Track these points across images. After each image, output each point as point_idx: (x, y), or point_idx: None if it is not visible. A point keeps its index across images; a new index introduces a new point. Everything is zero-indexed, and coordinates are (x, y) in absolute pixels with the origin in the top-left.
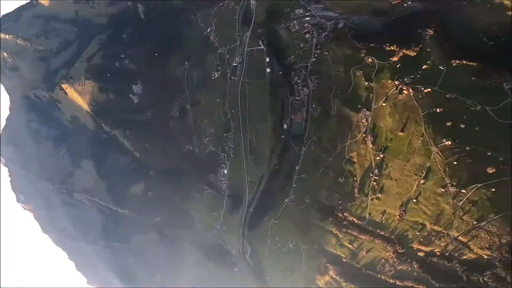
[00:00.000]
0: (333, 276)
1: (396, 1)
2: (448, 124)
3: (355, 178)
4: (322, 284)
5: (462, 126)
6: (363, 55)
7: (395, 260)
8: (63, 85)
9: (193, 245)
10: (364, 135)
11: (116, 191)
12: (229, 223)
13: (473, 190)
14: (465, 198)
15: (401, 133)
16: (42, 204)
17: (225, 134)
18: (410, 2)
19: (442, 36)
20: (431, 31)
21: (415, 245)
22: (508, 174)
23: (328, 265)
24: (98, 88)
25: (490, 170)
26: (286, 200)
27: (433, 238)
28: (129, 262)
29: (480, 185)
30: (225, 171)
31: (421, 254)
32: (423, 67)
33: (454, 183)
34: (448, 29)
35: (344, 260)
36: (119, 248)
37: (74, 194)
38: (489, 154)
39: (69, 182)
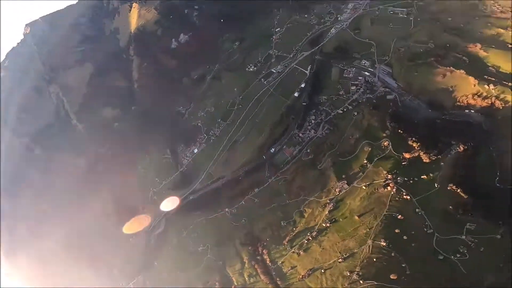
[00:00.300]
0: None
1: (461, 103)
2: (396, 231)
3: (294, 229)
4: None
5: (405, 237)
6: (384, 135)
7: None
8: (134, 3)
9: (112, 195)
10: (328, 201)
11: (88, 104)
12: (163, 196)
13: (369, 284)
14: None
15: (357, 218)
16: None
17: (219, 120)
18: (472, 111)
19: (467, 158)
20: (462, 148)
21: None
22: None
23: (217, 283)
24: (155, 20)
25: (392, 276)
26: (226, 210)
27: None
28: (31, 175)
29: (376, 283)
30: (195, 150)
31: None
32: (422, 177)
33: (360, 273)
34: (477, 154)
35: (232, 286)
36: (36, 156)
37: (51, 85)
38: (403, 265)
39: (58, 74)
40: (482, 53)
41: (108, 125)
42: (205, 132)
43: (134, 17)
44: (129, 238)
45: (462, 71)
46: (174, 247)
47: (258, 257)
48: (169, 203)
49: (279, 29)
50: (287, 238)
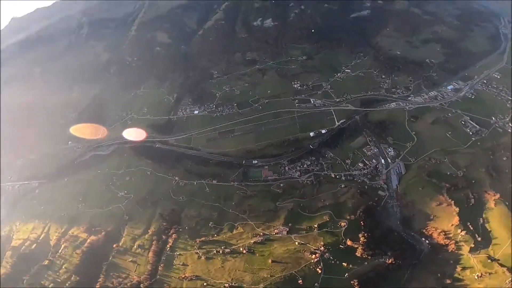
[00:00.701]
0: None
1: (427, 232)
2: None
3: (215, 235)
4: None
5: None
6: (348, 218)
7: None
8: None
9: (101, 91)
10: (261, 234)
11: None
12: (134, 125)
13: None
14: None
15: (270, 261)
16: None
17: (234, 104)
18: (426, 241)
19: (386, 269)
20: (390, 261)
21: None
22: None
23: (103, 232)
24: None
25: None
26: (176, 178)
27: None
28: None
29: None
30: (195, 111)
31: None
32: (344, 263)
33: None
34: (395, 271)
35: (114, 245)
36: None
37: None
38: None
39: None
40: (490, 204)
41: (151, 46)
42: (215, 104)
43: None
44: (69, 141)
45: (457, 209)
46: (99, 176)
47: (164, 237)
48: (134, 134)
49: (349, 70)
50: (202, 239)
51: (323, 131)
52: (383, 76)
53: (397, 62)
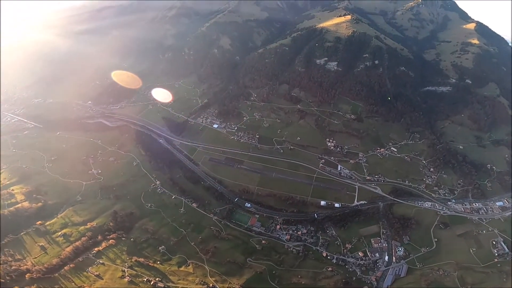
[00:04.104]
0: None
1: None
2: None
3: (158, 261)
4: None
5: None
6: None
7: None
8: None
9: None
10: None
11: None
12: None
13: None
14: None
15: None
16: None
17: (257, 136)
18: None
19: None
20: None
21: None
22: None
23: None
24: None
25: None
26: (158, 183)
27: None
28: None
29: None
30: (215, 126)
31: None
32: None
33: None
34: None
35: None
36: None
37: None
38: None
39: None
40: None
41: (211, 46)
42: (238, 126)
43: (334, 21)
44: (90, 100)
45: None
46: (87, 144)
47: (100, 237)
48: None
49: (395, 149)
50: (141, 259)
51: (337, 205)
52: (431, 169)
53: (454, 158)
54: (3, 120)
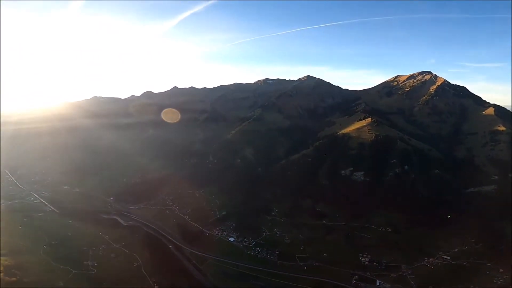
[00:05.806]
0: None
1: None
2: None
3: None
4: None
5: None
6: None
7: None
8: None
9: None
10: None
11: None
12: None
13: None
14: None
15: None
16: None
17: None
18: None
19: None
20: None
21: None
22: None
23: None
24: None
25: None
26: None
27: None
28: None
29: None
30: (231, 239)
31: None
32: None
33: None
34: None
35: None
36: None
37: None
38: None
39: None
40: None
41: (236, 155)
42: (256, 241)
43: (355, 126)
44: (111, 197)
45: None
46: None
47: None
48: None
49: (448, 257)
50: None
51: None
52: (501, 270)
53: None
54: (27, 199)
